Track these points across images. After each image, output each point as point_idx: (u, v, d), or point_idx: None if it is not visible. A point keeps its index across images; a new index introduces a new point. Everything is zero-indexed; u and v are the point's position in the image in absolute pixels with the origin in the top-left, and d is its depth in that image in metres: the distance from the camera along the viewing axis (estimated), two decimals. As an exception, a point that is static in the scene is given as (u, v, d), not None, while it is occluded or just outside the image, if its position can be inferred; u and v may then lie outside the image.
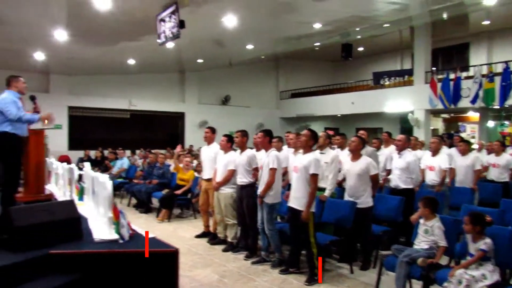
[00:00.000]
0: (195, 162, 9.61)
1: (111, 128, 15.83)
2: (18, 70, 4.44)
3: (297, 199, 4.52)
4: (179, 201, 7.95)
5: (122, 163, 10.90)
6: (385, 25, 11.75)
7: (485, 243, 3.47)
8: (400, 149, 5.69)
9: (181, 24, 6.45)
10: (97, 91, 15.22)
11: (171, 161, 10.19)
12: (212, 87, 18.30)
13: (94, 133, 15.33)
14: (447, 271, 3.55)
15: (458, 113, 17.28)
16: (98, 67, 13.50)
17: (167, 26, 6.76)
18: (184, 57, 13.78)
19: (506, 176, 7.12)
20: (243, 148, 5.58)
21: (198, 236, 6.54)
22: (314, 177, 4.42)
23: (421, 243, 3.92)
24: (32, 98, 5.20)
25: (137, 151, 13.70)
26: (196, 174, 8.29)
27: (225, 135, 6.00)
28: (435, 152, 6.19)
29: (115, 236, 3.71)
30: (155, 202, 8.87)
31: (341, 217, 4.85)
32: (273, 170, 4.95)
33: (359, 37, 13.99)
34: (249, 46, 12.69)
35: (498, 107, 12.51)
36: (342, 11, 9.18)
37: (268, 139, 5.32)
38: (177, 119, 17.69)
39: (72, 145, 14.82)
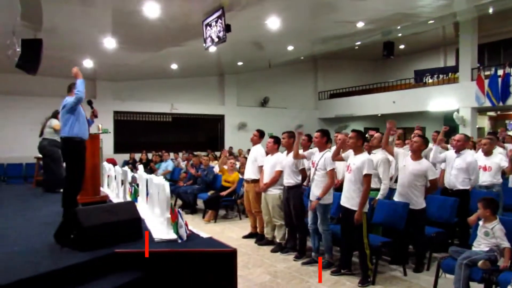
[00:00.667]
0: (237, 164, 9.74)
1: (154, 131, 16.27)
2: (68, 77, 4.68)
3: (349, 199, 4.51)
4: (224, 202, 8.08)
5: (167, 165, 11.19)
6: (430, 22, 11.44)
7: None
8: (459, 149, 5.53)
9: (227, 28, 6.58)
10: (140, 96, 15.70)
11: (213, 163, 10.40)
12: (251, 89, 18.45)
13: (137, 137, 15.81)
14: (510, 273, 3.44)
15: (505, 111, 16.54)
16: (141, 73, 13.94)
17: (213, 31, 6.91)
18: (224, 60, 13.98)
19: None
20: (290, 149, 5.62)
21: (245, 237, 6.63)
22: (367, 178, 4.40)
23: (481, 245, 3.81)
24: (90, 103, 5.48)
25: (180, 154, 14.02)
26: (240, 175, 8.41)
27: (272, 137, 6.06)
28: (488, 152, 5.97)
29: (173, 236, 3.84)
30: (199, 204, 9.08)
31: (393, 218, 4.78)
32: (330, 172, 4.94)
33: (400, 35, 13.70)
34: (290, 47, 12.71)
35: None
36: (386, 9, 9.03)
37: (325, 139, 5.20)
38: (217, 121, 17.95)
39: (117, 149, 15.35)
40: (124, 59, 11.17)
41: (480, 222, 3.89)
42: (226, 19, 6.88)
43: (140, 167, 5.58)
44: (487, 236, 3.78)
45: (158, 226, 4.23)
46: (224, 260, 3.54)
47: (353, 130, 4.76)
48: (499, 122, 17.75)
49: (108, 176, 7.19)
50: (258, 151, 6.29)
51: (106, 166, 7.33)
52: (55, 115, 6.90)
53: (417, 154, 4.97)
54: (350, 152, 4.74)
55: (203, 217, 8.14)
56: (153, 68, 13.19)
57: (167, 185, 4.12)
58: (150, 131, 16.21)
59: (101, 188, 6.45)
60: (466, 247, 4.06)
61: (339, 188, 5.16)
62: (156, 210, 4.70)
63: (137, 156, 13.84)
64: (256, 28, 9.14)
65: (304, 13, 8.64)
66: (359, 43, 14.33)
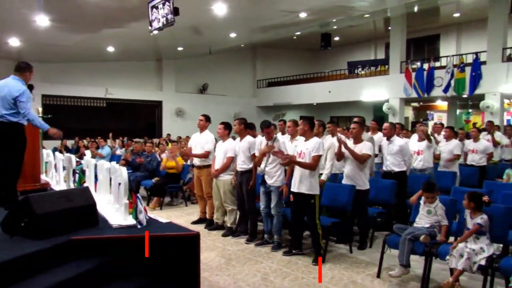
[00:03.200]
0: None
1: (87, 117, 15.50)
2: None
3: (302, 184, 4.70)
4: (170, 189, 7.98)
5: (105, 153, 10.73)
6: (365, 16, 12.06)
7: (481, 218, 3.78)
8: (388, 136, 5.99)
9: (175, 11, 6.43)
10: (72, 79, 14.82)
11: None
12: (190, 75, 18.18)
13: (69, 122, 14.92)
14: (448, 246, 3.85)
15: (427, 102, 17.99)
16: (74, 54, 13.14)
17: (160, 13, 6.71)
18: (163, 45, 13.62)
19: (484, 161, 7.60)
20: (243, 135, 5.71)
21: (194, 223, 6.64)
22: (316, 157, 4.63)
23: (422, 222, 4.20)
24: (30, 88, 5.08)
25: (117, 140, 13.49)
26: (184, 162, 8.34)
27: (222, 123, 6.09)
28: (422, 138, 6.52)
29: (132, 221, 3.77)
30: (142, 191, 8.88)
31: (341, 200, 5.07)
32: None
33: (335, 27, 14.28)
34: (232, 34, 12.70)
35: (468, 95, 13.13)
36: (328, 1, 9.37)
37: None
38: (154, 107, 17.51)
39: (46, 135, 14.39)
40: (57, 39, 10.46)
41: (422, 202, 4.28)
42: (174, 1, 6.72)
43: (88, 153, 5.34)
44: (429, 214, 4.17)
45: (113, 213, 4.11)
46: (187, 244, 3.55)
47: (302, 117, 4.95)
48: (421, 113, 19.31)
49: (47, 162, 6.77)
50: (209, 137, 6.30)
51: (45, 152, 6.89)
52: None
53: (358, 139, 5.32)
54: (300, 138, 4.93)
55: (147, 204, 7.97)
56: (88, 50, 12.50)
57: (124, 170, 4.01)
58: (83, 116, 15.42)
59: (41, 176, 6.07)
60: (407, 225, 4.45)
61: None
62: (108, 197, 4.56)
63: (69, 143, 13.12)
64: (201, 13, 9.02)
65: (251, 0, 8.69)
66: (298, 33, 14.70)
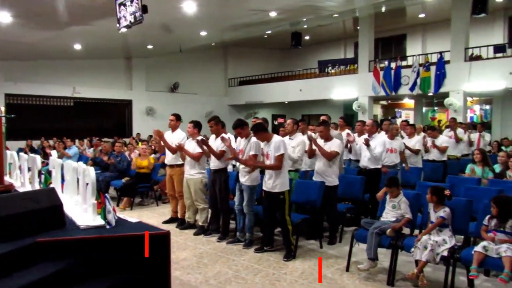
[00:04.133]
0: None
1: (54, 116, 15.05)
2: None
3: (272, 182, 4.76)
4: (140, 189, 7.88)
5: (72, 153, 10.47)
6: (334, 15, 12.25)
7: (444, 211, 3.94)
8: (370, 133, 6.12)
9: (144, 9, 6.34)
10: (37, 78, 14.35)
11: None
12: (160, 74, 17.96)
13: (34, 122, 14.48)
14: (413, 239, 3.99)
15: (395, 100, 18.48)
16: (39, 52, 12.72)
17: (128, 11, 6.60)
18: (133, 43, 13.39)
19: (445, 156, 7.89)
20: (217, 133, 5.71)
21: (165, 222, 6.60)
22: (278, 157, 4.68)
23: (388, 216, 4.33)
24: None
25: (85, 140, 13.19)
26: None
27: (192, 122, 6.07)
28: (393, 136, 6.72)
29: (101, 222, 3.71)
30: (112, 191, 8.73)
31: (311, 196, 5.16)
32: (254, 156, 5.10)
33: (306, 26, 14.44)
34: (203, 33, 12.63)
35: (433, 94, 13.56)
36: (297, 0, 9.46)
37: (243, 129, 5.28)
38: (124, 106, 17.20)
39: (10, 135, 13.90)
40: (20, 36, 10.11)
41: (388, 197, 4.42)
42: (141, -1, 6.61)
43: (54, 153, 5.20)
44: (394, 209, 4.32)
45: (81, 214, 4.03)
46: (157, 243, 3.53)
47: (256, 118, 5.01)
48: (390, 110, 19.81)
49: (11, 163, 6.54)
50: (182, 135, 6.26)
51: (9, 153, 6.65)
52: None
53: (327, 137, 5.42)
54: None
55: (117, 204, 7.85)
56: (53, 48, 12.13)
57: (91, 169, 3.94)
58: (50, 116, 14.96)
59: (5, 177, 5.86)
60: (376, 219, 4.58)
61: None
62: (75, 197, 4.47)
63: (35, 143, 12.73)
64: (171, 11, 8.93)
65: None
66: (269, 32, 14.77)
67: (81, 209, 4.16)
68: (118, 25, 6.98)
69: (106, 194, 3.83)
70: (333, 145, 5.30)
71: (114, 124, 17.02)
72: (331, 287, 4.00)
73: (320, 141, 5.42)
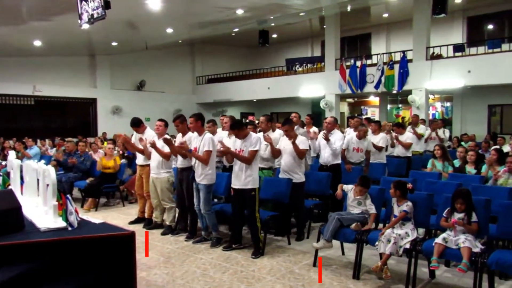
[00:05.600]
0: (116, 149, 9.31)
1: (13, 116, 14.46)
2: None
3: (240, 180, 4.75)
4: (106, 189, 7.69)
5: (33, 153, 10.10)
6: (301, 14, 12.36)
7: (407, 205, 4.06)
8: (330, 130, 6.22)
9: (106, 5, 6.17)
10: (-6, 75, 13.76)
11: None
12: (126, 71, 17.58)
13: (-8, 122, 13.89)
14: (377, 233, 4.09)
15: (361, 98, 18.88)
16: (-4, 49, 12.19)
17: (90, 6, 6.41)
18: (96, 40, 13.04)
19: (409, 152, 8.13)
20: (184, 132, 5.64)
21: (132, 222, 6.48)
22: (252, 152, 4.70)
23: (353, 211, 4.42)
24: None
25: (47, 140, 12.75)
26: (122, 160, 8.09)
27: (160, 120, 5.98)
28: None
29: (62, 223, 3.60)
30: (75, 193, 8.50)
31: (279, 193, 5.19)
32: (207, 152, 5.06)
33: (273, 24, 14.51)
34: (169, 30, 12.45)
35: (397, 91, 13.95)
36: (264, -2, 9.50)
37: (200, 123, 5.30)
38: (88, 105, 16.73)
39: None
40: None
41: (351, 194, 4.51)
42: (105, -6, 6.44)
43: (12, 153, 4.99)
44: (359, 205, 4.42)
45: (42, 216, 3.89)
46: (121, 244, 3.46)
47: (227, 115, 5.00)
48: (356, 108, 20.23)
49: (-35, 165, 6.24)
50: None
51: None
52: None
53: (291, 136, 5.45)
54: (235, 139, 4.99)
55: (82, 206, 7.64)
56: (11, 44, 11.63)
57: (52, 170, 3.81)
58: (9, 115, 14.37)
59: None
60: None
61: (229, 169, 5.41)
62: (35, 199, 4.31)
63: (-6, 144, 12.17)
64: (135, 7, 8.74)
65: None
66: (236, 30, 14.74)
67: (41, 211, 4.02)
68: (79, 21, 6.77)
69: (68, 195, 3.72)
70: (301, 143, 5.34)
71: (78, 123, 16.55)
72: (299, 282, 4.04)
73: (285, 140, 5.44)
